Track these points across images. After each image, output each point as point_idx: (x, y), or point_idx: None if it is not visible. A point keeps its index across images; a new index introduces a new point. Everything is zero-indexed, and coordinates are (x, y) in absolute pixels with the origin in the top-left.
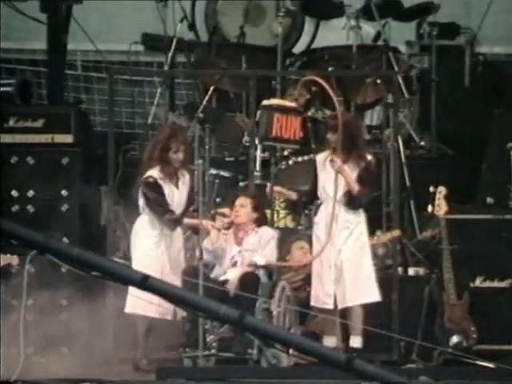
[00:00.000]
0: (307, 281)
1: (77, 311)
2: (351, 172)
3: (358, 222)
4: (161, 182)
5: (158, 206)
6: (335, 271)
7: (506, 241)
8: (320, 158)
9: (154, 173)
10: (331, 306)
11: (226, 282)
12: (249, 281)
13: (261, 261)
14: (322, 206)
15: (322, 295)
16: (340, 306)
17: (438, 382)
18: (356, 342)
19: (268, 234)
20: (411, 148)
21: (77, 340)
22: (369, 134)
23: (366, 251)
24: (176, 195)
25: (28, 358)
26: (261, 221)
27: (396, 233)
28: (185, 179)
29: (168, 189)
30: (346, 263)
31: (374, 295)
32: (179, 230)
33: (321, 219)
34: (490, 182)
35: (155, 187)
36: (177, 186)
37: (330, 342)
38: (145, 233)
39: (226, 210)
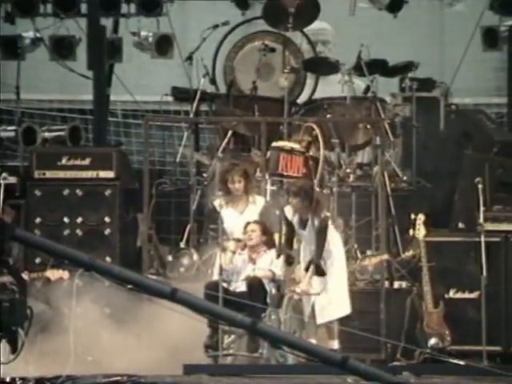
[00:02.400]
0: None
1: (117, 318)
2: (312, 228)
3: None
4: (219, 208)
5: None
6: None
7: (474, 259)
8: (288, 212)
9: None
10: None
11: (242, 293)
12: (254, 283)
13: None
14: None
15: None
16: None
17: (418, 377)
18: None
19: (276, 257)
20: (395, 182)
21: (117, 342)
22: (360, 170)
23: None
24: (237, 220)
25: (77, 357)
26: (270, 242)
27: (384, 256)
28: (255, 206)
29: (229, 212)
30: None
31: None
32: None
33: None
34: (461, 210)
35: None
36: (241, 211)
37: (334, 344)
38: None
39: (239, 236)
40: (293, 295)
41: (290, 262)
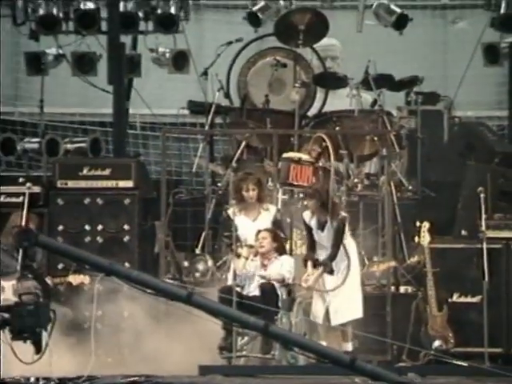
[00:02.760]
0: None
1: (134, 320)
2: (331, 228)
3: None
4: (233, 216)
5: None
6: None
7: (476, 265)
8: (306, 217)
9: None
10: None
11: (255, 297)
12: (267, 287)
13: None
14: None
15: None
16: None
17: (423, 378)
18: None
19: (288, 262)
20: (401, 191)
21: (135, 343)
22: (368, 179)
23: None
24: (250, 227)
25: (98, 358)
26: (280, 249)
27: (391, 263)
28: (269, 213)
29: (243, 219)
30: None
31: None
32: None
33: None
34: (463, 218)
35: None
36: (254, 219)
37: (348, 346)
38: None
39: (252, 243)
40: (303, 299)
41: (316, 265)
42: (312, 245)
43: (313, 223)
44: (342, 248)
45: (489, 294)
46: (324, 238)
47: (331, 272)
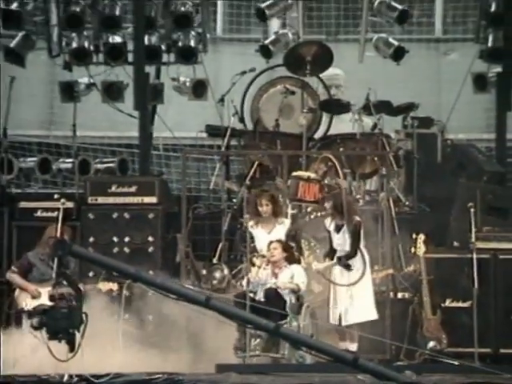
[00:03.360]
0: (326, 302)
1: (158, 323)
2: (346, 231)
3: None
4: (251, 228)
5: None
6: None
7: (467, 273)
8: (327, 222)
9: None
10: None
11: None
12: (270, 293)
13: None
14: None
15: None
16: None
17: (418, 375)
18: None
19: (298, 271)
20: (399, 206)
21: (159, 344)
22: (368, 196)
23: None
24: (265, 238)
25: (124, 356)
26: (290, 258)
27: (389, 271)
28: (284, 226)
29: (259, 231)
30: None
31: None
32: None
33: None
34: (456, 230)
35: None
36: (272, 231)
37: (354, 347)
38: None
39: (264, 253)
40: (310, 304)
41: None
42: (331, 247)
43: (331, 227)
44: (359, 252)
45: (478, 300)
46: (340, 240)
47: (348, 267)
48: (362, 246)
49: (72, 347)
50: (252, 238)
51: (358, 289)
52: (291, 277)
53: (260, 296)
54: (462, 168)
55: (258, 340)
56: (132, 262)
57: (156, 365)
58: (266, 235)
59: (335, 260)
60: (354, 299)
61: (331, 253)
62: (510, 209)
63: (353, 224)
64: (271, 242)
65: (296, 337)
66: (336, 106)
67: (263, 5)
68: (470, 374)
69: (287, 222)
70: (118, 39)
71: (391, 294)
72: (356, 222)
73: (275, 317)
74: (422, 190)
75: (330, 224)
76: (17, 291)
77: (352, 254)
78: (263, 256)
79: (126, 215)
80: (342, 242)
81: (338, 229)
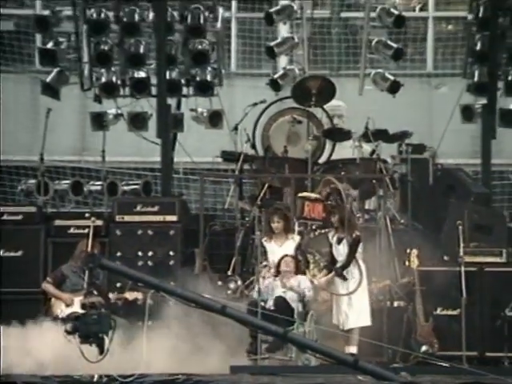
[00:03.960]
0: (329, 309)
1: (179, 329)
2: (346, 243)
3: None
4: (265, 242)
5: None
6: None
7: (456, 284)
8: (330, 234)
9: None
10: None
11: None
12: (280, 302)
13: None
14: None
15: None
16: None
17: (412, 376)
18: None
19: (305, 282)
20: (395, 224)
21: (178, 347)
22: (367, 214)
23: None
24: (277, 252)
25: (149, 359)
26: (299, 271)
27: (386, 282)
28: (294, 241)
29: (273, 244)
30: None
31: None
32: None
33: None
34: (446, 246)
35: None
36: (281, 246)
37: (354, 349)
38: None
39: (274, 263)
40: (315, 312)
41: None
42: (332, 257)
43: (334, 240)
44: (355, 263)
45: (466, 308)
46: (340, 251)
47: (343, 278)
48: (360, 258)
49: (101, 350)
50: (265, 251)
51: (356, 297)
52: (298, 286)
53: (270, 304)
54: (452, 190)
55: (266, 345)
56: (155, 273)
57: (176, 366)
58: (278, 249)
59: (332, 273)
60: (353, 306)
61: (331, 265)
62: (494, 226)
63: (353, 238)
64: (285, 256)
65: (302, 341)
66: (338, 134)
67: (272, 43)
68: (459, 375)
69: (297, 238)
70: (142, 74)
71: (388, 302)
72: (356, 236)
73: (284, 323)
74: (416, 210)
75: (332, 236)
76: (52, 300)
77: (346, 265)
78: (270, 268)
79: (150, 232)
80: (342, 253)
81: (339, 241)
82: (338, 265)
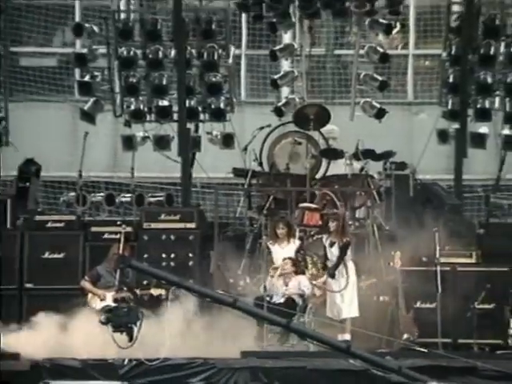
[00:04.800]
0: (324, 303)
1: (197, 321)
2: (337, 247)
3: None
4: (270, 245)
5: None
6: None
7: (432, 281)
8: (324, 238)
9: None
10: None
11: (279, 304)
12: (289, 301)
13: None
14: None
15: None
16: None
17: (396, 359)
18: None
19: (304, 281)
20: (381, 230)
21: (197, 335)
22: (358, 222)
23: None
24: (280, 253)
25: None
26: (298, 271)
27: (374, 280)
28: (294, 245)
29: (278, 248)
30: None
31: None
32: None
33: None
34: (424, 249)
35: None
36: (284, 249)
37: (347, 336)
38: None
39: (278, 264)
40: (313, 305)
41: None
42: (326, 259)
43: (327, 243)
44: (344, 264)
45: (441, 302)
46: (332, 253)
47: (332, 276)
48: (349, 260)
49: (130, 338)
50: (270, 252)
51: (347, 292)
52: (298, 284)
53: (275, 299)
54: (429, 201)
55: (273, 334)
56: (176, 272)
57: (195, 352)
58: (281, 251)
59: (326, 274)
60: (345, 300)
61: (325, 265)
62: (465, 232)
63: (343, 242)
64: (285, 259)
65: (302, 330)
66: (332, 154)
67: (276, 76)
68: (435, 358)
69: (297, 242)
70: (165, 103)
71: (375, 297)
72: (346, 241)
73: (290, 315)
74: (399, 218)
75: (326, 240)
76: (89, 295)
77: (337, 265)
78: (276, 269)
79: (172, 237)
80: (334, 254)
81: (332, 244)
82: (330, 265)
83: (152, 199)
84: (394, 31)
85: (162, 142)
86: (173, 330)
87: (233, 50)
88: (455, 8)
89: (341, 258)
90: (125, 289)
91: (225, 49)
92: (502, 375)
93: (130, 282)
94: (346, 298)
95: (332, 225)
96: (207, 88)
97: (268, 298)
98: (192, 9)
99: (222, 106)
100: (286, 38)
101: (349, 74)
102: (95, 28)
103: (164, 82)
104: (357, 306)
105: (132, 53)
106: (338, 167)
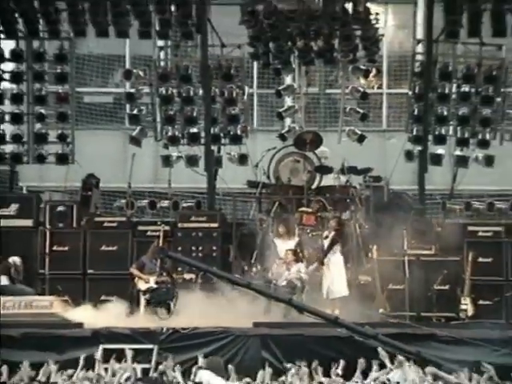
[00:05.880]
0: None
1: (220, 298)
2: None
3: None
4: (275, 240)
5: None
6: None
7: (401, 268)
8: (324, 234)
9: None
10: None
11: (282, 286)
12: (291, 283)
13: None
14: None
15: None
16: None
17: (374, 329)
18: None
19: (302, 267)
20: (362, 228)
21: (220, 310)
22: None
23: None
24: (283, 246)
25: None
26: (298, 260)
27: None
28: (294, 240)
29: (281, 242)
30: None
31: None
32: None
33: None
34: (396, 243)
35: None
36: (287, 243)
37: (337, 312)
38: None
39: (283, 256)
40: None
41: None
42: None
43: (323, 236)
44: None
45: (408, 284)
46: (325, 245)
47: (322, 263)
48: (338, 251)
49: (168, 311)
50: (275, 246)
51: (337, 277)
52: (297, 270)
53: (279, 282)
54: (399, 206)
55: (278, 309)
56: (203, 261)
57: (217, 322)
58: (284, 244)
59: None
60: (334, 282)
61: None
62: (427, 230)
63: (333, 236)
64: (287, 250)
65: (301, 306)
66: (324, 170)
67: (280, 110)
68: (403, 327)
69: (296, 238)
70: (195, 130)
71: (357, 280)
72: (334, 238)
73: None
74: (376, 219)
75: (324, 235)
76: (136, 279)
77: (324, 255)
78: (281, 259)
79: (200, 234)
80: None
81: (326, 238)
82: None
83: (185, 204)
84: (371, 75)
85: (192, 161)
86: (201, 306)
87: (247, 90)
88: (418, 57)
89: (328, 250)
90: (164, 274)
91: (241, 88)
92: (454, 340)
93: (167, 269)
94: (335, 282)
95: (333, 222)
96: (227, 118)
97: (274, 281)
98: (215, 57)
99: (238, 132)
100: (288, 80)
101: (337, 108)
102: (141, 73)
103: (194, 114)
104: (346, 286)
105: (169, 92)
106: (329, 180)
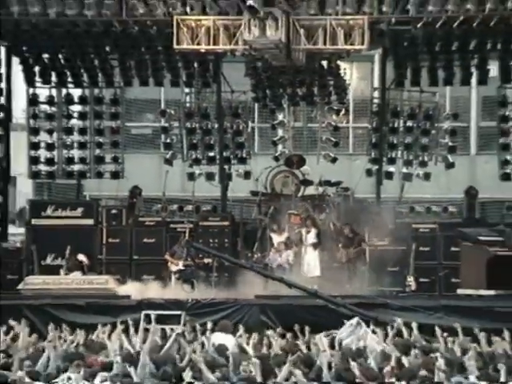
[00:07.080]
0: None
1: (230, 278)
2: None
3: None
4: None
5: None
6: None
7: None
8: (302, 231)
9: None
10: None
11: (275, 269)
12: (282, 267)
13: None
14: None
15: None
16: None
17: (342, 299)
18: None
19: (291, 254)
20: (335, 227)
21: (228, 286)
22: (321, 221)
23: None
24: (277, 239)
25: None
26: (287, 248)
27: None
28: (285, 234)
29: (275, 236)
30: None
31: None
32: None
33: None
34: (360, 238)
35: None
36: (279, 237)
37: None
38: None
39: (276, 246)
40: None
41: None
42: (301, 242)
43: (303, 231)
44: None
45: (369, 266)
46: (307, 238)
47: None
48: (312, 240)
49: (192, 287)
50: (271, 238)
51: (312, 261)
52: (287, 256)
53: (274, 265)
54: (362, 209)
55: (273, 285)
56: (218, 250)
57: (228, 295)
58: (277, 238)
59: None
60: (310, 265)
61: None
62: (382, 227)
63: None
64: (280, 242)
65: (290, 282)
66: (307, 183)
67: (275, 139)
68: (365, 298)
69: (286, 233)
70: (212, 154)
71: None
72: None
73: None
74: (345, 220)
75: (304, 231)
76: (169, 263)
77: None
78: (275, 248)
79: (215, 230)
80: (308, 238)
81: (308, 232)
82: (306, 244)
83: (204, 208)
84: (341, 113)
85: (209, 176)
86: (216, 284)
87: (250, 124)
88: (375, 100)
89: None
90: (189, 259)
91: (246, 123)
92: (401, 307)
93: (192, 255)
94: (312, 264)
95: (309, 222)
96: (235, 145)
97: (270, 265)
98: (227, 100)
99: (244, 155)
100: (280, 117)
101: (316, 137)
102: (172, 112)
103: (211, 142)
104: (319, 269)
105: (193, 126)
106: (310, 190)
